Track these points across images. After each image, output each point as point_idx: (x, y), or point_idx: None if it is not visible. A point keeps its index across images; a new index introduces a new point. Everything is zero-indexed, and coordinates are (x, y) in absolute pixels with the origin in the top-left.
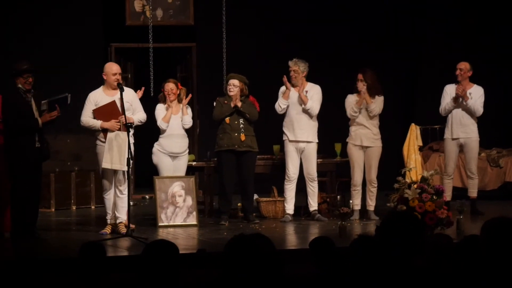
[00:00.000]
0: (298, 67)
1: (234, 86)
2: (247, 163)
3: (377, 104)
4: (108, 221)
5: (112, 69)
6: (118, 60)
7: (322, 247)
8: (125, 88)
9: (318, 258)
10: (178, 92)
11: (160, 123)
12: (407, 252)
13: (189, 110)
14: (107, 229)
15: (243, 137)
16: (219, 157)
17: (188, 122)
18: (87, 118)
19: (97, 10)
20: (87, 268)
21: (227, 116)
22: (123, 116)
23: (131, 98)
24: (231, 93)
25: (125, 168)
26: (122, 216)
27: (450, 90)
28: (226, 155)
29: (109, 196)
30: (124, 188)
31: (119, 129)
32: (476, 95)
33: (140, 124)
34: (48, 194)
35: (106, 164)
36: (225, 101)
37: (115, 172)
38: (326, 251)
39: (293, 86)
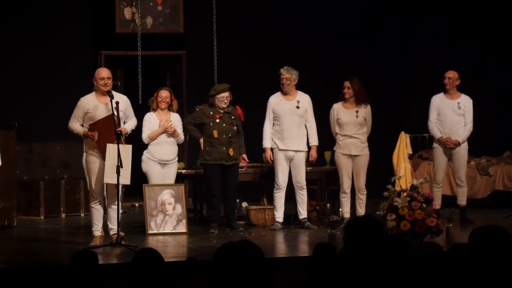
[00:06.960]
0: (290, 75)
1: (227, 98)
2: (232, 174)
3: (367, 122)
4: (97, 233)
5: (100, 73)
6: (108, 67)
7: (325, 254)
8: (117, 94)
9: (319, 264)
10: (170, 102)
11: (145, 138)
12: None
13: (180, 127)
14: (96, 241)
15: (231, 152)
16: (206, 169)
17: (182, 140)
18: (74, 124)
19: (87, 18)
20: (79, 276)
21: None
22: (121, 129)
23: (125, 106)
24: (223, 105)
25: (128, 182)
26: (115, 227)
27: (436, 102)
28: (213, 167)
29: (98, 206)
30: (116, 200)
31: (118, 142)
32: (465, 108)
33: (131, 131)
34: (38, 202)
35: (108, 179)
36: (211, 112)
37: (107, 183)
38: (328, 258)
39: (285, 94)
